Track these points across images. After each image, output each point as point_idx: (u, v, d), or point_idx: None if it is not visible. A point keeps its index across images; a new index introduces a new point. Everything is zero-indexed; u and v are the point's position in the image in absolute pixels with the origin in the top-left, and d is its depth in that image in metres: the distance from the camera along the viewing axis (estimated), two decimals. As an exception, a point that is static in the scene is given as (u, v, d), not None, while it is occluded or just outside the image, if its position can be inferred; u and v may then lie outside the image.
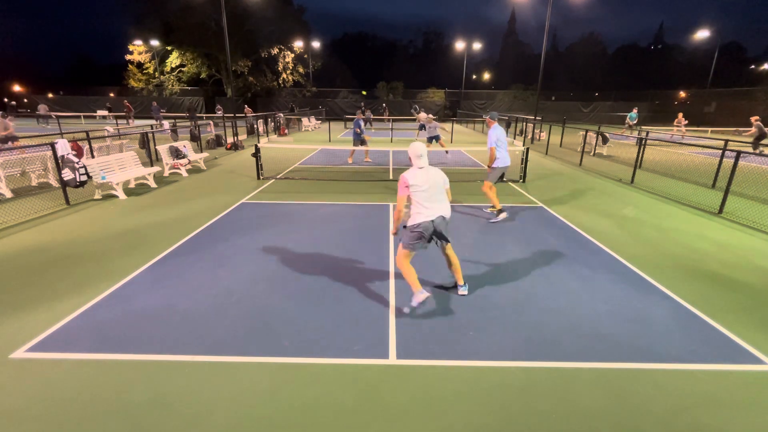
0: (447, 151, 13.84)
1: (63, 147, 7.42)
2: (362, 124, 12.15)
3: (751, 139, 14.24)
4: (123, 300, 3.86)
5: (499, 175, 6.69)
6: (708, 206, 7.52)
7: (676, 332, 3.44)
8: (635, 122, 20.29)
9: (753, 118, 15.00)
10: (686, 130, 21.64)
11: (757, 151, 7.49)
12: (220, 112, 30.80)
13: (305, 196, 8.05)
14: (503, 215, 6.62)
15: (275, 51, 39.28)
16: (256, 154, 9.61)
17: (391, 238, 5.64)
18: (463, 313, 3.68)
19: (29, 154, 8.85)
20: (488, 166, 6.61)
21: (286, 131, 22.31)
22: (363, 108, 30.57)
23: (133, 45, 39.07)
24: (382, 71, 55.27)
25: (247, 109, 29.38)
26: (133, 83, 41.50)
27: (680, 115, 21.32)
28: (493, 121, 6.58)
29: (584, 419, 2.49)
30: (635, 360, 3.05)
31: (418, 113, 17.47)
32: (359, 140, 12.09)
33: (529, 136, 19.46)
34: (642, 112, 37.97)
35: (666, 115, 35.54)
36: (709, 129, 24.29)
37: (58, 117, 23.70)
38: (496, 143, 6.43)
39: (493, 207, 6.76)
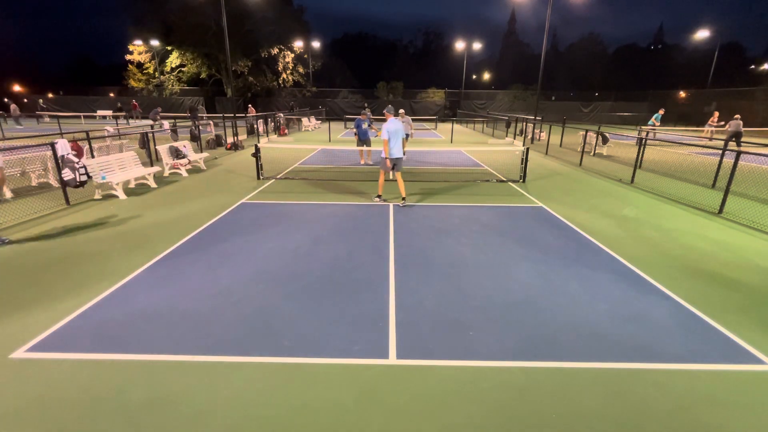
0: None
1: (63, 147, 7.41)
2: (363, 124, 12.05)
3: (725, 136, 14.94)
4: (123, 300, 3.86)
5: (392, 165, 7.30)
6: (708, 206, 7.52)
7: (676, 332, 3.44)
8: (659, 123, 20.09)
9: (735, 116, 16.10)
10: (715, 130, 21.42)
11: (737, 147, 7.65)
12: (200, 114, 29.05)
13: (305, 196, 8.05)
14: (378, 201, 7.69)
15: (275, 51, 39.23)
16: (256, 154, 9.61)
17: (391, 238, 5.64)
18: (463, 313, 3.68)
19: (29, 154, 8.84)
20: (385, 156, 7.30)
21: (286, 131, 22.31)
22: (367, 107, 30.44)
23: (133, 45, 39.03)
24: (382, 71, 55.23)
25: (250, 109, 29.18)
26: (133, 83, 41.49)
27: (716, 114, 21.22)
28: (390, 115, 7.31)
29: (584, 419, 2.49)
30: (635, 360, 3.05)
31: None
32: (360, 140, 12.09)
33: (529, 136, 19.45)
34: (642, 111, 37.98)
35: (667, 115, 35.42)
36: (713, 129, 24.29)
37: (58, 117, 23.68)
38: (389, 136, 7.05)
39: (379, 196, 7.75)
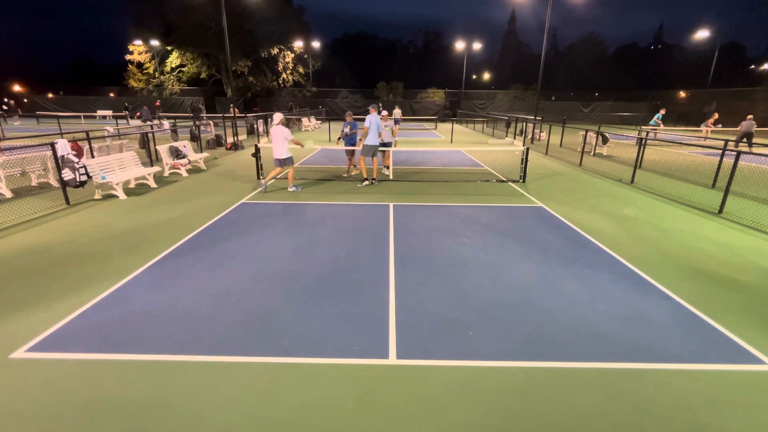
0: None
1: (63, 147, 7.41)
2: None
3: (734, 137, 14.98)
4: (123, 300, 3.86)
5: (370, 152, 8.85)
6: (708, 206, 7.52)
7: (676, 332, 3.44)
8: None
9: (749, 117, 15.79)
10: (711, 131, 21.22)
11: (747, 149, 7.61)
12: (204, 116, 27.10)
13: (305, 196, 8.05)
14: (366, 183, 9.03)
15: (275, 51, 39.20)
16: (256, 154, 9.60)
17: (391, 238, 5.65)
18: (463, 313, 3.68)
19: (29, 154, 8.84)
20: (360, 140, 9.05)
21: (286, 131, 22.25)
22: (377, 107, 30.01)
23: (133, 45, 39.00)
24: (382, 71, 55.20)
25: (232, 109, 28.52)
26: (133, 83, 41.46)
27: (716, 114, 20.98)
28: (374, 110, 9.02)
29: (584, 419, 2.49)
30: (635, 360, 3.05)
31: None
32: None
33: (529, 136, 19.45)
34: (642, 111, 37.94)
35: (667, 115, 35.33)
36: (709, 129, 24.28)
37: (58, 117, 23.63)
38: (369, 125, 8.66)
39: (366, 180, 9.11)
